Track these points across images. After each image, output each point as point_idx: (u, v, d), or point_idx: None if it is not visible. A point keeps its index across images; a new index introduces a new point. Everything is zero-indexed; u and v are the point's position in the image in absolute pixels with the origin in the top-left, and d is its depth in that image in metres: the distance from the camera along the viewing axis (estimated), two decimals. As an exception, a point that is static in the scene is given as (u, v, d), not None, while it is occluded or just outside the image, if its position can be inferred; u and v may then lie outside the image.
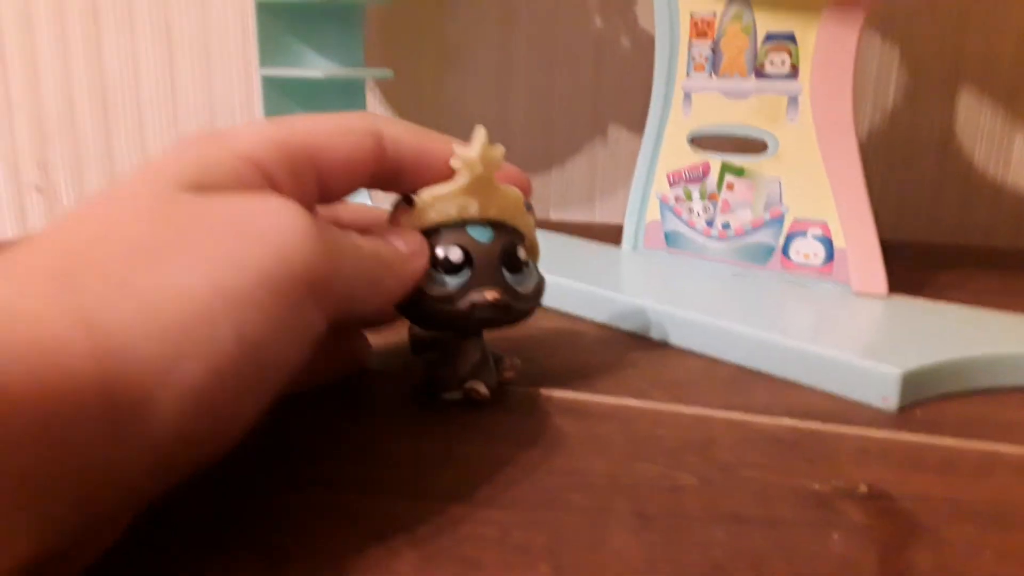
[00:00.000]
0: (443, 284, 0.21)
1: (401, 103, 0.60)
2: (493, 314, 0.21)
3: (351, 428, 0.22)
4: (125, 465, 0.13)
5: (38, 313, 0.13)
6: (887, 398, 0.23)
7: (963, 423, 0.23)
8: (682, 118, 0.37)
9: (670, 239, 0.39)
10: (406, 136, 0.21)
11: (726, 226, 0.36)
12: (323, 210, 0.22)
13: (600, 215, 0.58)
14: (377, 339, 0.27)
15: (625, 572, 0.15)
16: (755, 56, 0.34)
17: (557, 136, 0.58)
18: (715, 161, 0.36)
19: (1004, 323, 0.29)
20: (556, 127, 0.58)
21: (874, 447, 0.21)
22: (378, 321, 0.26)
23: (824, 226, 0.33)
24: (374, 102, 0.60)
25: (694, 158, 0.37)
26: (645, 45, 0.54)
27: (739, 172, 0.35)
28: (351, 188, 0.21)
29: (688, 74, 0.37)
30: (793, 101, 0.33)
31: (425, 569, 0.15)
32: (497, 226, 0.22)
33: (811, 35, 0.32)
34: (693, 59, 0.37)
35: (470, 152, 0.21)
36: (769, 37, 0.34)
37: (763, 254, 0.35)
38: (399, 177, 0.21)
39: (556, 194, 0.59)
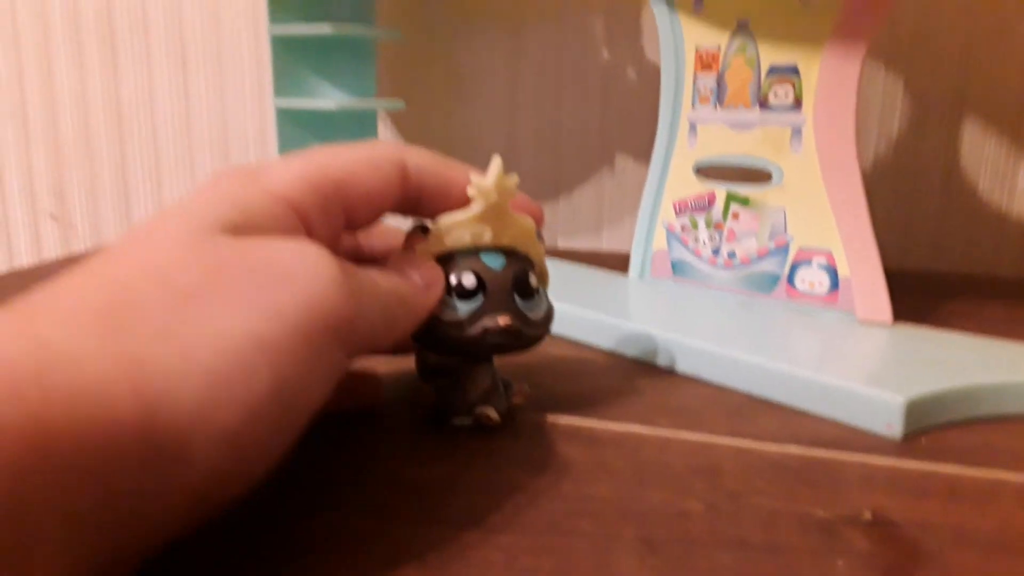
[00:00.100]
0: (456, 310, 0.22)
1: (412, 133, 0.61)
2: (505, 339, 0.22)
3: (361, 454, 0.22)
4: (158, 504, 0.14)
5: (85, 356, 0.13)
6: (891, 426, 0.23)
7: (967, 451, 0.23)
8: (688, 149, 0.38)
9: (676, 268, 0.39)
10: (428, 165, 0.21)
11: (732, 255, 0.37)
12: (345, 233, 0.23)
13: (607, 243, 0.59)
14: (386, 365, 0.28)
15: (632, 597, 0.16)
16: (759, 88, 0.35)
17: (565, 165, 0.58)
18: (720, 191, 0.37)
19: (1008, 352, 0.29)
20: (564, 157, 0.58)
21: (878, 474, 0.21)
22: (392, 351, 0.26)
23: (829, 255, 0.33)
24: (385, 132, 0.61)
25: (700, 188, 0.38)
26: (651, 77, 0.55)
27: (744, 202, 0.36)
28: (376, 217, 0.21)
29: (693, 106, 0.38)
30: (797, 132, 0.34)
31: (435, 593, 0.16)
32: (509, 253, 0.23)
33: (814, 67, 0.33)
34: (698, 91, 0.37)
35: (486, 181, 0.21)
36: (772, 70, 0.34)
37: (768, 283, 0.35)
38: (420, 204, 0.22)
39: (564, 222, 0.59)
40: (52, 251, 0.69)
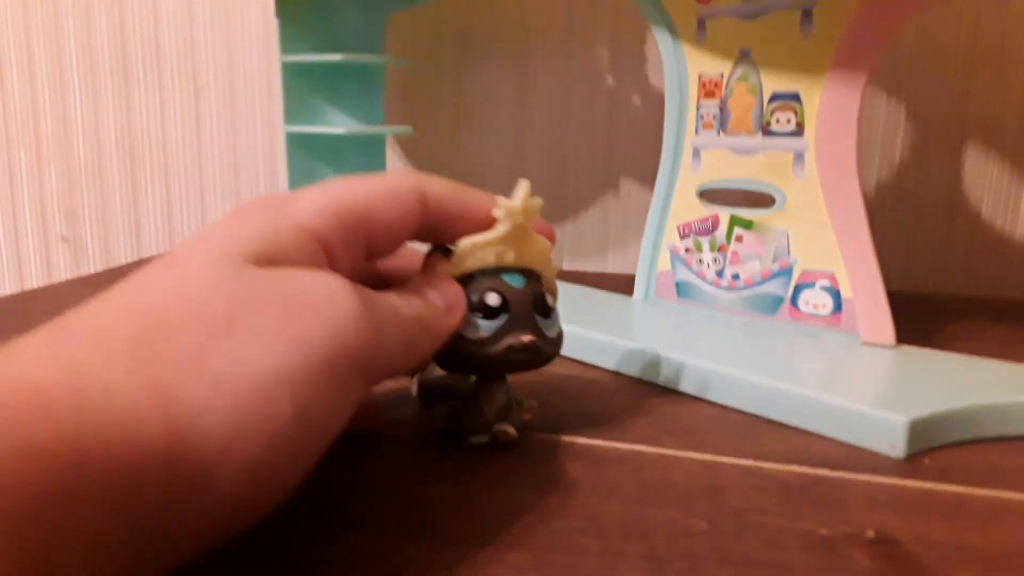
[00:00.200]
0: (481, 328, 0.22)
1: (420, 158, 0.62)
2: (527, 356, 0.22)
3: (368, 473, 0.22)
4: (179, 529, 0.14)
5: (117, 384, 0.14)
6: (894, 446, 0.24)
7: (970, 470, 0.23)
8: (691, 173, 0.39)
9: (681, 289, 0.39)
10: (446, 193, 0.22)
11: (735, 277, 0.37)
12: None
13: (613, 266, 0.59)
14: (392, 385, 0.28)
15: (637, 612, 0.16)
16: (761, 115, 0.36)
17: (571, 189, 0.59)
18: (724, 214, 0.37)
19: (1010, 373, 0.29)
20: (570, 181, 0.59)
21: (882, 493, 0.21)
22: (410, 372, 0.26)
23: (832, 277, 0.34)
24: (393, 157, 0.62)
25: (704, 211, 0.38)
26: (655, 103, 0.56)
27: (748, 225, 0.36)
28: (396, 247, 0.22)
29: (697, 132, 0.38)
30: (799, 158, 0.35)
31: (444, 607, 0.16)
32: (527, 273, 0.23)
33: (815, 95, 0.34)
34: (702, 117, 0.38)
35: (513, 202, 0.22)
36: (775, 97, 0.35)
37: (772, 304, 0.36)
38: (438, 231, 0.22)
39: (570, 245, 0.60)
40: (62, 273, 0.69)
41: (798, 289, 0.35)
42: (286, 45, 0.48)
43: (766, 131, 0.36)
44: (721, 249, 0.38)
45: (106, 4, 0.64)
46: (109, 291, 0.17)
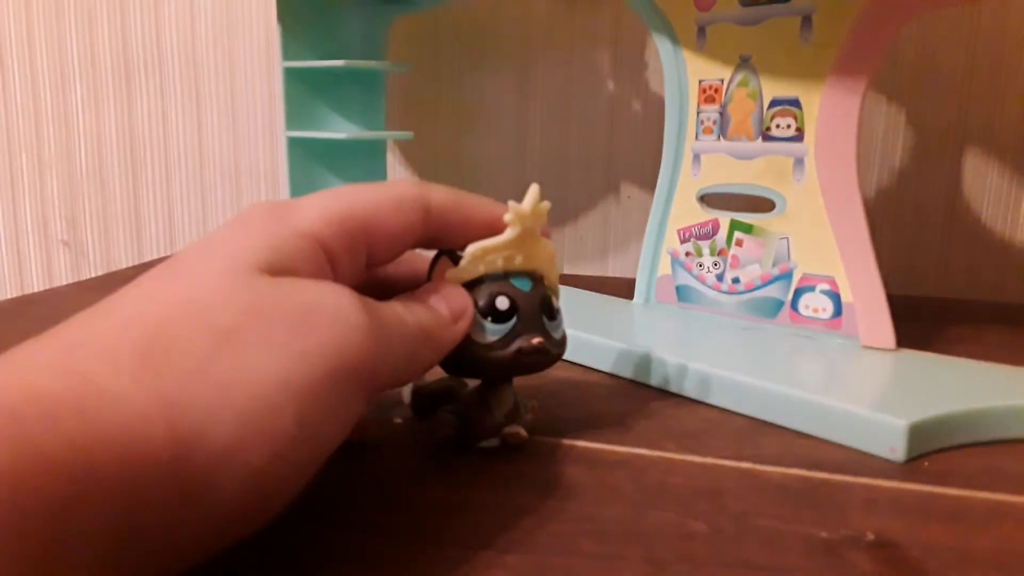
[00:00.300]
0: (490, 332, 0.22)
1: (421, 163, 0.62)
2: (537, 359, 0.23)
3: (369, 477, 0.23)
4: (182, 536, 0.14)
5: (124, 392, 0.14)
6: (894, 449, 0.24)
7: (970, 474, 0.23)
8: (692, 178, 0.39)
9: (681, 293, 0.39)
10: (449, 202, 0.22)
11: (736, 281, 0.37)
12: None
13: (613, 270, 0.59)
14: (390, 392, 0.28)
15: (637, 614, 0.16)
16: (761, 120, 0.36)
17: (572, 194, 0.59)
18: (724, 218, 0.37)
19: (1010, 376, 0.29)
20: (571, 185, 0.59)
21: (882, 497, 0.21)
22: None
23: (832, 281, 0.34)
24: (394, 162, 0.62)
25: (704, 215, 0.38)
26: (656, 108, 0.56)
27: (748, 229, 0.37)
28: (398, 255, 0.22)
29: (697, 137, 0.38)
30: (799, 162, 0.35)
31: (444, 609, 0.16)
32: (534, 276, 0.23)
33: (815, 100, 0.34)
34: (702, 122, 0.38)
35: (523, 207, 0.22)
36: (775, 102, 0.35)
37: (772, 308, 0.36)
38: (441, 240, 0.22)
39: (571, 249, 0.60)
40: (63, 277, 0.70)
41: (798, 293, 0.35)
42: (288, 51, 0.48)
43: (766, 136, 0.36)
44: (721, 253, 0.38)
45: (108, 9, 0.65)
46: (116, 298, 0.17)
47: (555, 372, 0.30)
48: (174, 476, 0.14)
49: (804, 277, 0.35)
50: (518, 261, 0.23)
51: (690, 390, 0.29)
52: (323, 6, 0.49)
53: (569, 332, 0.25)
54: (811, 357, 0.32)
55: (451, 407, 0.25)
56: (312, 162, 0.51)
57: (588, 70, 0.57)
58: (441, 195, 0.22)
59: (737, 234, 0.37)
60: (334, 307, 0.17)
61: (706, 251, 0.38)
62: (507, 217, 0.22)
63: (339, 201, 0.20)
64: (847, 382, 0.29)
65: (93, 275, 0.68)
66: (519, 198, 0.22)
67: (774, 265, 0.36)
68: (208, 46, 0.64)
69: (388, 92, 0.55)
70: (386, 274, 0.24)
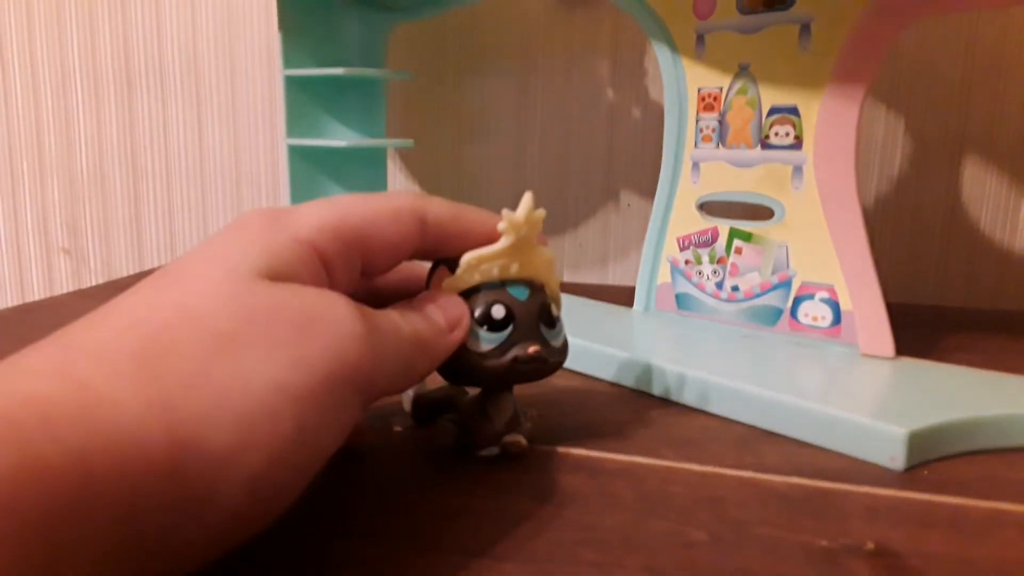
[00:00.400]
0: (487, 340, 0.22)
1: (421, 171, 0.62)
2: (534, 367, 0.23)
3: (367, 483, 0.23)
4: (181, 542, 0.14)
5: (122, 398, 0.14)
6: (894, 458, 0.24)
7: (969, 482, 0.23)
8: (691, 186, 0.39)
9: (681, 301, 0.39)
10: (447, 215, 0.22)
11: (735, 289, 0.37)
12: None
13: (613, 277, 0.60)
14: (389, 400, 0.28)
15: (637, 623, 0.16)
16: (760, 128, 0.36)
17: (571, 201, 0.59)
18: (724, 226, 0.38)
19: (1010, 384, 0.29)
20: (571, 193, 0.59)
21: (881, 505, 0.21)
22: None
23: (831, 289, 0.34)
24: (395, 170, 0.62)
25: (703, 223, 0.38)
26: (655, 116, 0.56)
27: (747, 237, 0.37)
28: (393, 266, 0.22)
29: (696, 145, 0.38)
30: (798, 170, 0.35)
31: (443, 618, 0.16)
32: (531, 284, 0.23)
33: (813, 109, 0.34)
34: (701, 130, 0.38)
35: (517, 215, 0.22)
36: (773, 110, 0.35)
37: (772, 316, 0.36)
38: (437, 252, 0.22)
39: (571, 257, 0.60)
40: (63, 285, 0.70)
41: (797, 301, 0.35)
42: (289, 58, 0.48)
43: (765, 144, 0.36)
44: (721, 261, 0.38)
45: (110, 16, 0.65)
46: (114, 304, 0.17)
47: (555, 380, 0.30)
48: (173, 480, 0.14)
49: (803, 285, 0.35)
50: (514, 270, 0.23)
51: (690, 398, 0.29)
52: (324, 14, 0.50)
53: (569, 340, 0.25)
54: (810, 365, 0.32)
55: (451, 416, 0.25)
56: (313, 169, 0.51)
57: (588, 78, 0.58)
58: (439, 207, 0.22)
59: (736, 242, 0.37)
60: (332, 314, 0.17)
61: (705, 259, 0.38)
62: (501, 226, 0.22)
63: (336, 209, 0.20)
64: (847, 390, 0.29)
65: (94, 282, 0.68)
66: (519, 205, 0.22)
67: (773, 273, 0.36)
68: (209, 53, 0.64)
69: (388, 100, 0.56)
70: (384, 283, 0.24)
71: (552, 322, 0.23)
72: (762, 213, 0.36)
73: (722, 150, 0.37)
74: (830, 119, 0.34)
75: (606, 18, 0.56)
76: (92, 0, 0.65)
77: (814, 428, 0.26)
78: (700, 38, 0.37)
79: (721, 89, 0.37)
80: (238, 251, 0.18)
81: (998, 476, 0.24)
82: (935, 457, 0.24)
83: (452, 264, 0.23)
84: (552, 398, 0.30)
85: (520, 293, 0.23)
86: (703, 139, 0.38)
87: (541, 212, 0.22)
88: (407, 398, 0.27)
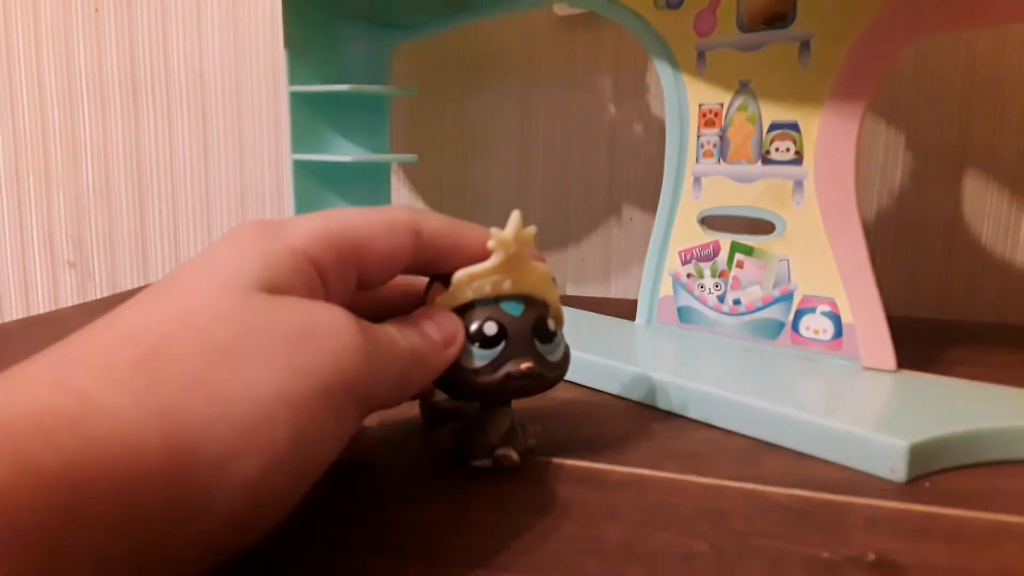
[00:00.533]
0: (479, 357, 0.22)
1: (425, 186, 0.62)
2: (527, 383, 0.23)
3: (368, 495, 0.23)
4: (180, 546, 0.14)
5: (120, 408, 0.14)
6: (895, 470, 0.24)
7: (971, 494, 0.23)
8: (692, 200, 0.39)
9: (683, 314, 0.40)
10: (442, 228, 0.22)
11: (737, 302, 0.37)
12: None
13: (615, 291, 0.60)
14: (392, 410, 0.28)
15: (639, 633, 0.16)
16: (761, 143, 0.36)
17: (574, 216, 0.60)
18: (725, 240, 0.38)
19: (1011, 397, 0.29)
20: (573, 208, 0.60)
21: (883, 517, 0.22)
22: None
23: (832, 303, 0.34)
24: (398, 185, 0.63)
25: (705, 237, 0.39)
26: (657, 131, 0.57)
27: (748, 251, 0.37)
28: (389, 279, 0.22)
29: (698, 160, 0.39)
30: (798, 185, 0.35)
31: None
32: (527, 300, 0.23)
33: (814, 125, 0.34)
34: (702, 146, 0.39)
35: (505, 233, 0.22)
36: (774, 126, 0.36)
37: (773, 330, 0.36)
38: (433, 265, 0.23)
39: (573, 270, 0.60)
40: (68, 298, 0.70)
41: (799, 314, 0.35)
42: (294, 75, 0.49)
43: (766, 159, 0.36)
44: (722, 275, 0.38)
45: (116, 32, 0.66)
46: (113, 314, 0.17)
47: (557, 393, 0.30)
48: (169, 488, 0.14)
49: (805, 298, 0.35)
50: (507, 286, 0.23)
51: (692, 411, 0.30)
52: (329, 31, 0.50)
53: (571, 353, 0.25)
54: (812, 378, 0.32)
55: (456, 424, 0.25)
56: (317, 184, 0.51)
57: (590, 94, 0.58)
58: (435, 221, 0.22)
59: (738, 256, 0.37)
60: (331, 326, 0.18)
61: (707, 273, 0.39)
62: (490, 244, 0.22)
63: (331, 221, 0.20)
64: (848, 403, 0.29)
65: (99, 296, 0.69)
66: (525, 218, 0.22)
67: (775, 287, 0.36)
68: (215, 69, 0.64)
69: (392, 116, 0.56)
70: (381, 298, 0.24)
71: (548, 337, 0.23)
72: (763, 227, 0.36)
73: (723, 165, 0.38)
74: (830, 135, 0.34)
75: (608, 35, 0.57)
76: (99, 15, 0.66)
77: (816, 440, 0.26)
78: (701, 55, 0.38)
79: (722, 105, 0.38)
80: (236, 263, 0.18)
81: (999, 488, 0.24)
82: (936, 469, 0.25)
83: (447, 280, 0.23)
84: (555, 410, 0.30)
85: (514, 309, 0.23)
86: (704, 154, 0.38)
87: (532, 229, 0.23)
88: (421, 405, 0.28)
